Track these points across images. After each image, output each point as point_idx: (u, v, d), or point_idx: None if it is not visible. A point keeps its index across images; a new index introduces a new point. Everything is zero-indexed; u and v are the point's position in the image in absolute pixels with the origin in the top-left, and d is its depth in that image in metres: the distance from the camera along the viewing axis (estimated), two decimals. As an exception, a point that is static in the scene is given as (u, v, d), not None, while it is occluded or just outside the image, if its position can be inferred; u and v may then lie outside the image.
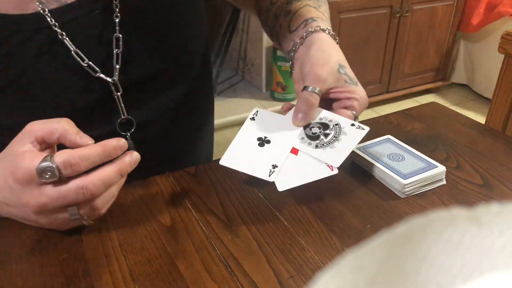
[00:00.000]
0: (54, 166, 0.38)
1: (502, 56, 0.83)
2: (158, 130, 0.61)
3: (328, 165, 0.48)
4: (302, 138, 0.50)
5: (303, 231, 0.46)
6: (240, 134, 0.52)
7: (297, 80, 0.55)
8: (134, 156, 0.43)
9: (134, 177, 0.53)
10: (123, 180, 0.44)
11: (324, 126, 0.51)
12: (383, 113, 0.84)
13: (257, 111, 0.54)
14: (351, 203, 0.50)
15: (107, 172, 0.41)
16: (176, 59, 0.59)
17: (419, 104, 0.83)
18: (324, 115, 0.52)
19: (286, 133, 0.51)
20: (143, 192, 0.52)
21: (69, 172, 0.39)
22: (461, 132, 0.65)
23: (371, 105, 2.38)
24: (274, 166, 0.48)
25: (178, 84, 0.61)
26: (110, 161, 0.42)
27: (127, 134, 0.56)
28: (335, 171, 0.47)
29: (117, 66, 0.52)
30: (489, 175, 0.55)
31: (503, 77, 0.83)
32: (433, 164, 0.53)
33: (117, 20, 0.51)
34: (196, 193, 0.52)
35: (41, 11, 0.47)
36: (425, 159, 0.54)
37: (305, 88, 0.51)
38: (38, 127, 0.41)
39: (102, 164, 0.41)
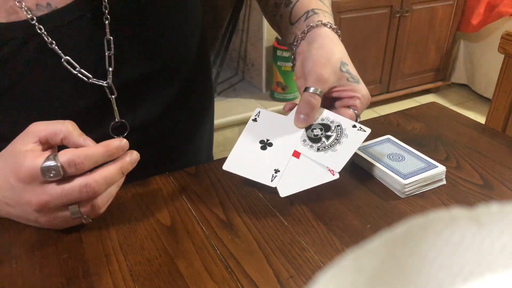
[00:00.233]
0: (59, 165, 0.39)
1: (502, 56, 0.83)
2: (156, 131, 0.61)
3: (329, 169, 0.48)
4: (304, 140, 0.50)
5: (303, 231, 0.46)
6: (242, 137, 0.52)
7: (299, 76, 0.55)
8: (134, 156, 0.44)
9: (134, 177, 0.53)
10: (122, 179, 0.45)
11: (326, 127, 0.51)
12: (383, 113, 0.84)
13: (259, 111, 0.54)
14: (351, 203, 0.50)
15: (109, 171, 0.42)
16: (170, 58, 0.59)
17: (419, 104, 0.83)
18: (326, 115, 0.52)
19: (288, 135, 0.51)
20: (143, 192, 0.52)
21: (73, 171, 0.40)
22: (461, 132, 0.65)
23: (371, 105, 2.38)
24: (276, 171, 0.49)
25: (174, 84, 0.60)
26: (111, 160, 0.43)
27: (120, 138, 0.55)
28: (336, 176, 0.47)
29: (110, 69, 0.52)
30: (489, 175, 0.55)
31: (503, 77, 0.83)
32: (433, 164, 0.53)
33: (107, 22, 0.51)
34: (196, 193, 0.52)
35: (29, 20, 0.47)
36: (425, 159, 0.54)
37: (306, 89, 0.50)
38: (42, 128, 0.42)
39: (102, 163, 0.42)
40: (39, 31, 0.47)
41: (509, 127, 0.83)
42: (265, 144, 0.51)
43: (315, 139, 0.50)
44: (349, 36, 2.12)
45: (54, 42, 0.48)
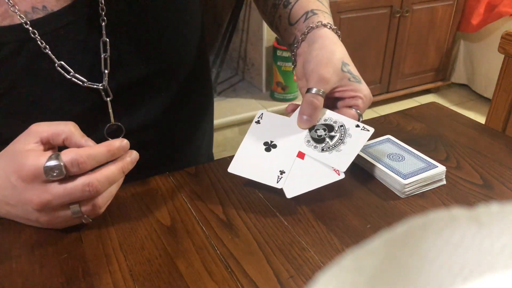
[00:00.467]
0: (62, 164, 0.39)
1: (502, 56, 0.83)
2: (155, 132, 0.61)
3: (334, 170, 0.48)
4: (308, 141, 0.50)
5: (303, 231, 0.46)
6: (246, 139, 0.52)
7: (300, 77, 0.55)
8: (133, 155, 0.45)
9: (134, 177, 0.53)
10: (122, 179, 0.45)
11: (329, 127, 0.51)
12: (383, 113, 0.84)
13: (262, 113, 0.54)
14: (351, 203, 0.50)
15: (111, 170, 0.43)
16: (169, 60, 0.58)
17: (419, 104, 0.83)
18: (329, 115, 0.52)
19: (292, 137, 0.51)
20: (143, 192, 0.52)
21: (76, 170, 0.40)
22: (461, 132, 0.65)
23: (371, 105, 2.37)
24: (282, 172, 0.49)
25: (173, 86, 0.60)
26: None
27: None
28: (342, 176, 0.48)
29: (106, 71, 0.52)
30: (489, 175, 0.55)
31: (503, 77, 0.83)
32: (433, 164, 0.53)
33: (103, 24, 0.51)
34: (196, 193, 0.52)
35: (24, 24, 0.46)
36: (425, 159, 0.54)
37: (308, 90, 0.50)
38: (44, 129, 0.42)
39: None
40: (33, 35, 0.47)
41: (509, 127, 0.83)
42: (269, 146, 0.51)
43: (319, 140, 0.50)
44: (349, 36, 2.12)
45: (48, 47, 0.48)
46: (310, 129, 0.51)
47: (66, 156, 0.40)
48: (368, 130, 0.50)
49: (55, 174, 0.39)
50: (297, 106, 0.53)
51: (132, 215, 0.48)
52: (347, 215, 0.48)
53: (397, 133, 0.63)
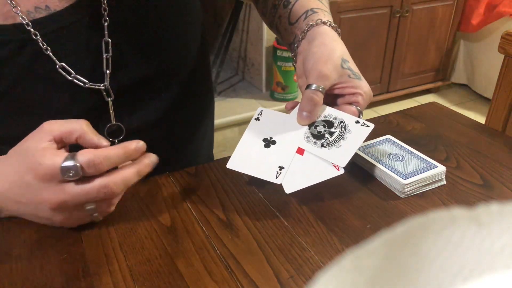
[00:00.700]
0: (78, 165, 0.39)
1: (502, 56, 0.83)
2: (156, 133, 0.61)
3: (334, 165, 0.48)
4: (308, 137, 0.50)
5: (303, 231, 0.46)
6: (245, 136, 0.52)
7: (300, 75, 0.55)
8: (152, 159, 0.45)
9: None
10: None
11: (329, 124, 0.51)
12: (383, 113, 0.84)
13: (262, 110, 0.54)
14: (351, 203, 0.50)
15: (128, 173, 0.43)
16: (170, 60, 0.58)
17: (419, 104, 0.83)
18: (329, 112, 0.52)
19: (292, 133, 0.51)
20: (143, 192, 0.52)
21: (92, 171, 0.40)
22: (461, 132, 0.65)
23: (371, 105, 2.38)
24: (281, 168, 0.49)
25: (174, 86, 0.60)
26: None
27: (115, 141, 0.55)
28: (341, 171, 0.47)
29: (108, 72, 0.52)
30: (489, 175, 0.55)
31: (503, 77, 0.82)
32: (433, 164, 0.53)
33: (105, 24, 0.50)
34: (196, 193, 0.52)
35: (25, 25, 0.46)
36: (425, 159, 0.54)
37: (308, 86, 0.50)
38: (56, 127, 0.42)
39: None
40: (34, 37, 0.47)
41: (509, 127, 0.83)
42: (268, 142, 0.51)
43: (318, 136, 0.50)
44: (349, 36, 2.12)
45: (49, 48, 0.48)
46: (310, 126, 0.51)
47: (83, 157, 0.40)
48: (368, 126, 0.50)
49: (71, 174, 0.39)
50: (297, 103, 0.53)
51: (132, 215, 0.48)
52: (347, 215, 0.48)
53: (397, 133, 0.63)
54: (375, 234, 0.23)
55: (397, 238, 0.18)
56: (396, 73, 2.40)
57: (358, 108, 0.52)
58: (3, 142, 0.46)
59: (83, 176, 0.40)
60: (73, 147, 0.43)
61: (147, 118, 0.58)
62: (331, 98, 0.54)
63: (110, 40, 0.51)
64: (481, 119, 0.81)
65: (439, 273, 0.19)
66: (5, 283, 0.40)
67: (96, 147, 0.42)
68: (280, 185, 0.48)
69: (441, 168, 0.52)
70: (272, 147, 0.51)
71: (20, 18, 0.46)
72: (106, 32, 0.51)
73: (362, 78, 0.53)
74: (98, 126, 0.54)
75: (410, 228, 0.18)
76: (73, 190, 0.40)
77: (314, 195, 0.51)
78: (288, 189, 0.47)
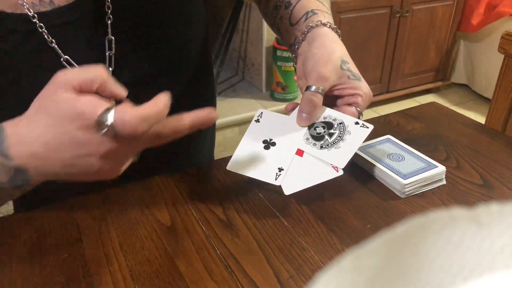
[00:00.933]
0: (111, 124, 0.36)
1: (502, 56, 0.83)
2: None
3: (333, 166, 0.48)
4: (307, 139, 0.51)
5: (303, 231, 0.46)
6: (245, 137, 0.52)
7: (300, 77, 0.55)
8: (212, 114, 0.43)
9: (134, 177, 0.53)
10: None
11: (329, 125, 0.51)
12: (383, 113, 0.84)
13: (262, 112, 0.54)
14: (351, 203, 0.50)
15: (176, 122, 0.42)
16: (172, 60, 0.58)
17: (419, 104, 0.83)
18: (328, 113, 0.52)
19: (291, 134, 0.51)
20: (143, 192, 0.52)
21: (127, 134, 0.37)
22: (461, 132, 0.65)
23: (371, 105, 2.38)
24: (280, 169, 0.49)
25: (176, 85, 0.60)
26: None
27: None
28: (340, 172, 0.47)
29: (110, 69, 0.52)
30: (489, 175, 0.55)
31: (503, 77, 0.82)
32: (433, 164, 0.53)
33: (109, 22, 0.51)
34: (196, 193, 0.52)
35: (31, 17, 0.46)
36: (425, 159, 0.54)
37: (308, 88, 0.51)
38: (73, 76, 0.38)
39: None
40: (40, 29, 0.47)
41: (509, 127, 0.83)
42: (268, 144, 0.51)
43: (318, 137, 0.50)
44: (349, 36, 2.12)
45: (54, 41, 0.48)
46: (310, 127, 0.52)
47: (121, 123, 0.36)
48: (367, 127, 0.50)
49: (104, 131, 0.36)
50: (297, 105, 0.53)
51: (132, 215, 0.48)
52: (347, 215, 0.48)
53: (397, 133, 0.63)
54: (375, 234, 0.23)
55: (397, 238, 0.18)
56: (396, 73, 2.40)
57: (358, 109, 0.52)
58: None
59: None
60: None
61: None
62: (331, 99, 0.54)
63: (113, 38, 0.51)
64: (481, 119, 0.81)
65: (439, 273, 0.19)
66: (5, 283, 0.40)
67: (115, 96, 0.39)
68: (280, 185, 0.48)
69: (441, 168, 0.52)
70: (272, 148, 0.51)
71: (26, 9, 0.46)
72: (109, 30, 0.51)
73: (362, 79, 0.53)
74: None
75: (410, 228, 0.18)
76: (124, 139, 0.38)
77: (314, 195, 0.51)
78: (287, 191, 0.47)
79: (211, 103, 0.73)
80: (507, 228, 0.19)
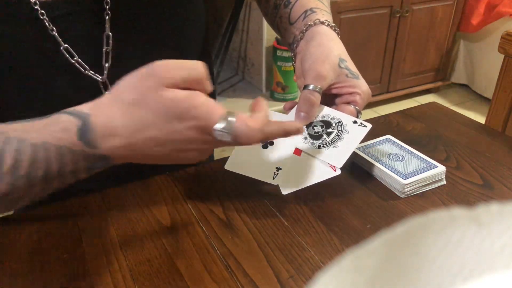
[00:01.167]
0: (231, 134, 0.38)
1: (502, 56, 0.83)
2: None
3: (330, 166, 0.48)
4: (305, 138, 0.51)
5: (303, 231, 0.46)
6: None
7: (299, 75, 0.55)
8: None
9: (134, 177, 0.53)
10: None
11: (327, 124, 0.51)
12: (383, 113, 0.84)
13: None
14: (351, 203, 0.50)
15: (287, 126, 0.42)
16: (170, 57, 0.58)
17: (419, 104, 0.83)
18: (326, 112, 0.52)
19: None
20: (143, 192, 0.52)
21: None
22: (461, 132, 0.65)
23: (371, 105, 2.38)
24: (278, 169, 0.49)
25: None
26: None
27: None
28: (338, 172, 0.47)
29: (107, 65, 0.52)
30: (489, 175, 0.55)
31: (503, 77, 0.82)
32: (433, 164, 0.53)
33: (107, 17, 0.51)
34: (196, 193, 0.52)
35: (33, 4, 0.47)
36: (425, 159, 0.54)
37: (305, 87, 0.51)
38: (177, 74, 0.38)
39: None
40: (41, 16, 0.47)
41: (509, 127, 0.83)
42: (266, 143, 0.51)
43: (316, 136, 0.50)
44: (349, 36, 2.12)
45: (55, 28, 0.48)
46: (308, 126, 0.52)
47: (241, 137, 0.38)
48: (366, 126, 0.50)
49: (224, 139, 0.38)
50: (295, 104, 0.53)
51: (132, 215, 0.48)
52: (347, 215, 0.48)
53: (397, 133, 0.63)
54: (375, 234, 0.23)
55: (397, 238, 0.18)
56: (396, 73, 2.40)
57: (356, 107, 0.52)
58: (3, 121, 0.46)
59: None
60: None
61: None
62: (329, 98, 0.54)
63: (111, 34, 0.51)
64: (481, 119, 0.81)
65: (439, 273, 0.19)
66: (5, 283, 0.40)
67: (206, 92, 0.39)
68: (278, 185, 0.48)
69: (441, 168, 0.52)
70: (270, 148, 0.51)
71: None
72: (107, 26, 0.51)
73: (360, 77, 0.53)
74: None
75: (410, 228, 0.18)
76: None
77: (314, 195, 0.51)
78: (285, 190, 0.47)
79: None
80: (507, 228, 0.19)
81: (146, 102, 0.37)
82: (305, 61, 0.52)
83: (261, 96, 2.20)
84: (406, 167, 0.53)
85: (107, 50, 0.52)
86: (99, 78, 0.52)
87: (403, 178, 0.51)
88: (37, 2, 0.47)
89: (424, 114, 0.71)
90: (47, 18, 0.47)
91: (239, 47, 2.36)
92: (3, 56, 0.48)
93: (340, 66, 0.52)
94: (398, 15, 2.21)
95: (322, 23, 0.55)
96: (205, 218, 0.48)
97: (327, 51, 0.52)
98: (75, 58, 0.50)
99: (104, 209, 0.49)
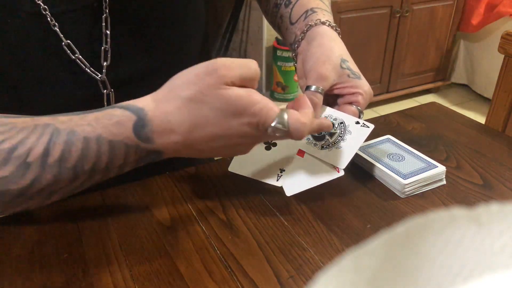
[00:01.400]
0: (286, 129, 0.40)
1: (502, 56, 0.83)
2: None
3: (334, 167, 0.48)
4: (308, 139, 0.51)
5: (303, 231, 0.46)
6: None
7: (301, 76, 0.55)
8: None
9: (134, 177, 0.53)
10: None
11: None
12: (383, 113, 0.84)
13: None
14: (351, 203, 0.50)
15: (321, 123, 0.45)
16: (170, 56, 0.58)
17: (419, 104, 0.83)
18: (329, 113, 0.52)
19: None
20: (143, 192, 0.52)
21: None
22: (461, 132, 0.65)
23: (371, 105, 2.38)
24: (282, 170, 0.49)
25: None
26: None
27: None
28: (341, 173, 0.48)
29: (105, 63, 0.52)
30: (489, 175, 0.55)
31: (503, 77, 0.82)
32: (433, 164, 0.53)
33: (105, 16, 0.51)
34: (196, 193, 0.52)
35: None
36: (425, 159, 0.54)
37: (307, 88, 0.51)
38: (237, 73, 0.40)
39: None
40: (43, 12, 0.47)
41: (509, 127, 0.83)
42: (269, 145, 0.51)
43: (318, 137, 0.50)
44: (349, 36, 2.12)
45: (57, 24, 0.48)
46: None
47: (296, 130, 0.40)
48: (368, 127, 0.50)
49: (277, 134, 0.40)
50: None
51: (132, 215, 0.48)
52: (347, 215, 0.48)
53: (397, 133, 0.63)
54: (375, 234, 0.23)
55: (397, 238, 0.18)
56: (396, 73, 2.40)
57: (359, 108, 0.52)
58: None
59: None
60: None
61: None
62: (332, 98, 0.54)
63: (109, 32, 0.51)
64: (481, 119, 0.81)
65: (439, 273, 0.19)
66: (5, 283, 0.40)
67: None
68: (282, 186, 0.48)
69: (441, 168, 0.52)
70: (273, 149, 0.51)
71: None
72: (103, 24, 0.51)
73: (362, 77, 0.53)
74: None
75: (410, 228, 0.18)
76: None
77: (314, 195, 0.51)
78: (289, 192, 0.47)
79: None
80: (507, 228, 0.19)
81: (206, 99, 0.38)
82: (306, 62, 0.52)
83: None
84: (406, 167, 0.53)
85: (106, 48, 0.52)
86: (97, 76, 0.52)
87: (403, 178, 0.51)
88: None
89: (424, 114, 0.71)
90: (48, 14, 0.48)
91: (239, 47, 2.36)
92: (7, 51, 0.48)
93: (341, 67, 0.52)
94: (398, 15, 2.21)
95: (323, 23, 0.55)
96: (205, 218, 0.48)
97: (328, 51, 0.52)
98: (76, 55, 0.50)
99: (104, 209, 0.49)
